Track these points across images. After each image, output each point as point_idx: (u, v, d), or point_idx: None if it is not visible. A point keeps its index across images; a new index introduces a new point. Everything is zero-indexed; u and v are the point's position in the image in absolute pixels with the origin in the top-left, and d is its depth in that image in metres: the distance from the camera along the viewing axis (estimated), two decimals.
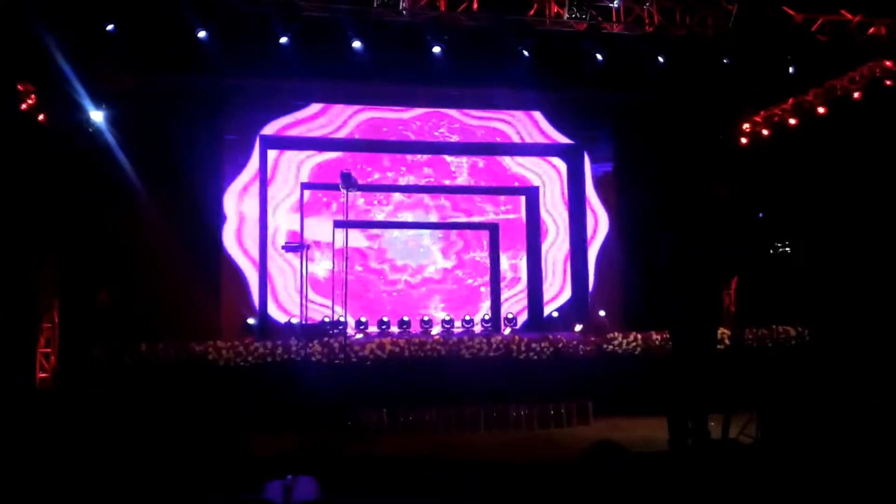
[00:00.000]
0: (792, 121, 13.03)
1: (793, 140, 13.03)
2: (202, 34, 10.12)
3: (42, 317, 10.59)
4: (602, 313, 13.57)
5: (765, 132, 13.68)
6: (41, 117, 10.65)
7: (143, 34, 9.99)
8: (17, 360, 9.94)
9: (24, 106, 10.42)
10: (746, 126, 13.97)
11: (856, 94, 11.90)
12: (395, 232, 14.94)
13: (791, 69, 11.39)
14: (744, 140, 14.06)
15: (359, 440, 9.55)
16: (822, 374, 10.58)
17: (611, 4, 10.81)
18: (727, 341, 10.88)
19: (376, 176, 14.46)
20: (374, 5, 10.19)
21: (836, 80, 12.17)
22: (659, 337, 11.43)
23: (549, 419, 10.66)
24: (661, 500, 5.90)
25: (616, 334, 11.72)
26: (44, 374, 10.34)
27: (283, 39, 10.33)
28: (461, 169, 14.80)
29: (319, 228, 14.15)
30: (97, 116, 10.98)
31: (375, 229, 14.79)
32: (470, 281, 15.04)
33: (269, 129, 13.42)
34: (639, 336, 11.59)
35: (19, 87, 10.31)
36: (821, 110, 12.42)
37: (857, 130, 11.96)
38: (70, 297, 10.87)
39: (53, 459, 7.43)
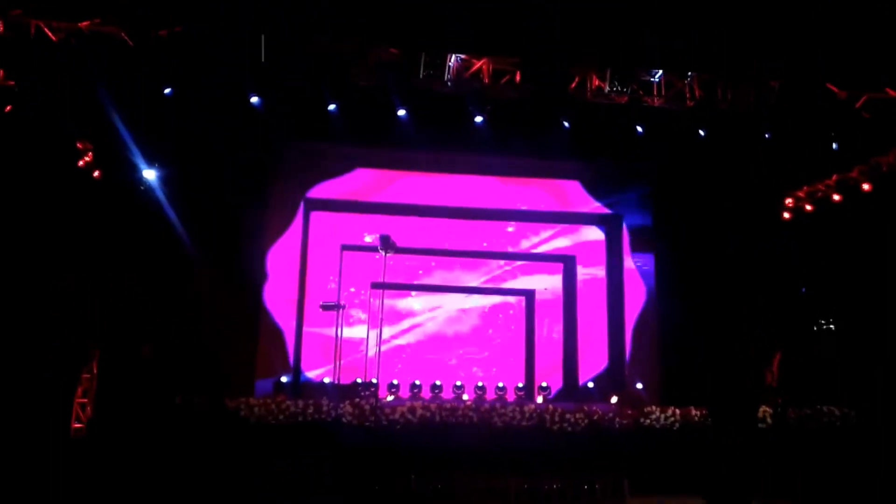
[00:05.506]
0: (836, 196, 12.88)
1: (837, 216, 12.86)
2: (254, 100, 10.55)
3: (82, 367, 10.76)
4: (639, 385, 13.29)
5: (808, 207, 13.53)
6: (96, 174, 11.10)
7: (199, 98, 10.44)
8: (54, 409, 10.07)
9: (81, 163, 10.89)
10: (789, 201, 13.85)
11: None
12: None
13: (834, 145, 11.34)
14: (787, 214, 13.92)
15: None
16: (867, 456, 10.14)
17: (651, 79, 10.96)
18: (769, 420, 10.54)
19: None
20: (421, 76, 10.49)
21: (881, 157, 12.05)
22: (698, 412, 11.10)
23: (582, 494, 10.32)
24: None
25: (653, 408, 11.42)
26: (78, 425, 10.45)
27: (332, 106, 10.70)
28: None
29: None
30: (150, 175, 11.40)
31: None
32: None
33: (314, 193, 13.74)
34: (677, 411, 11.26)
35: (78, 145, 10.81)
36: (865, 186, 12.26)
37: None
38: (111, 349, 11.06)
39: None
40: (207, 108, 10.77)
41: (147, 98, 10.18)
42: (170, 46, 9.53)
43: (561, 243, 14.98)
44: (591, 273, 14.80)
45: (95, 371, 10.79)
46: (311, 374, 13.53)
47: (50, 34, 9.58)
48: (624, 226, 14.43)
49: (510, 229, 14.91)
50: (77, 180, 10.77)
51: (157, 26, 9.52)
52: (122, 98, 10.07)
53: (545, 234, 14.94)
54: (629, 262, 14.31)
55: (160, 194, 11.50)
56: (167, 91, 10.20)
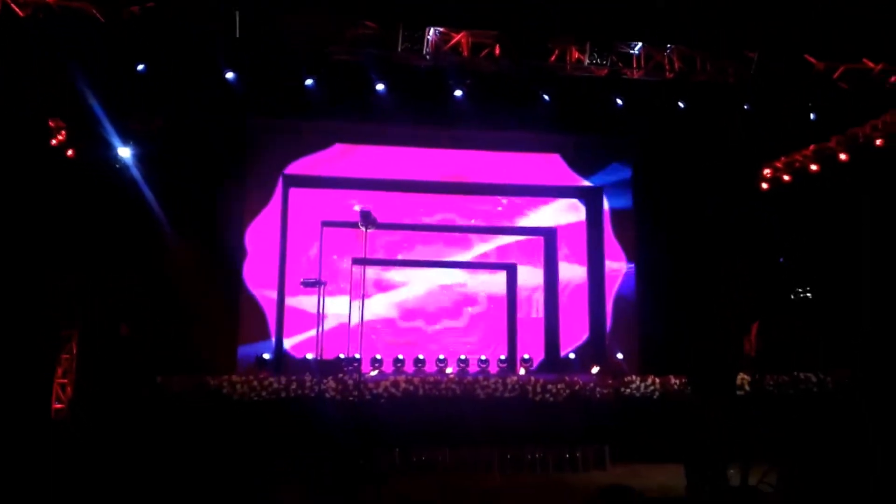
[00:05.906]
0: (813, 167, 13.01)
1: (815, 186, 13.00)
2: (230, 75, 10.39)
3: (61, 347, 10.69)
4: (619, 356, 13.44)
5: (786, 178, 13.65)
6: (70, 152, 10.91)
7: (173, 74, 10.27)
8: (33, 390, 10.01)
9: (53, 141, 10.70)
10: (767, 171, 13.95)
11: (878, 142, 11.88)
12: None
13: (812, 116, 11.41)
14: (765, 185, 14.03)
15: (371, 480, 9.44)
16: (844, 421, 10.36)
17: (631, 51, 10.92)
18: (747, 387, 10.71)
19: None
20: (399, 49, 10.36)
21: (858, 128, 12.16)
22: (677, 381, 11.27)
23: (564, 463, 10.49)
24: None
25: (633, 377, 11.57)
26: (59, 405, 10.40)
27: (309, 81, 10.57)
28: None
29: None
30: (124, 153, 11.24)
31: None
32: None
33: (292, 169, 13.63)
34: (657, 380, 11.43)
35: (51, 123, 10.61)
36: (843, 157, 12.39)
37: (880, 177, 11.91)
38: (90, 329, 10.99)
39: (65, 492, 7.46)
40: (182, 85, 10.59)
41: (120, 75, 9.99)
42: (142, 22, 9.34)
43: (547, 219, 15.02)
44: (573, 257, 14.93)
45: (75, 351, 10.72)
46: (293, 342, 13.53)
47: (17, 9, 9.34)
48: (605, 202, 14.46)
49: (500, 208, 14.91)
50: (49, 158, 10.59)
51: (129, 2, 9.31)
52: (94, 75, 9.86)
53: (531, 211, 14.97)
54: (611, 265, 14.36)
55: (136, 173, 11.35)
56: (140, 68, 10.01)
